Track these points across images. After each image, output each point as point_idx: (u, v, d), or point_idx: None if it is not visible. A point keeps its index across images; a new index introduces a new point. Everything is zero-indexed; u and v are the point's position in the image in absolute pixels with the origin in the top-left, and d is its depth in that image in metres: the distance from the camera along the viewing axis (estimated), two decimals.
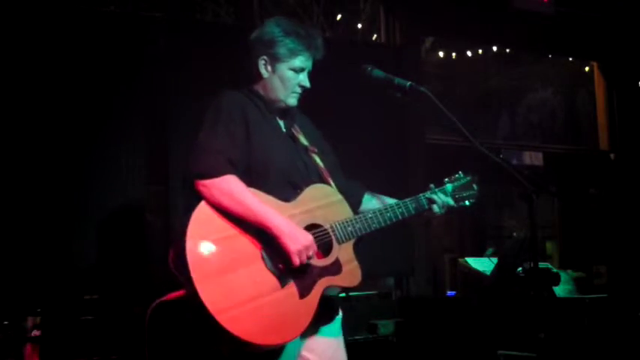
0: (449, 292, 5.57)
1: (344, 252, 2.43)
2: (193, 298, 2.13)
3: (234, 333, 2.12)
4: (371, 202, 2.69)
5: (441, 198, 2.64)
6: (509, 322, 3.91)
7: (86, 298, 3.84)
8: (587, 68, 6.87)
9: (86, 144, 4.01)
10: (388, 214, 2.53)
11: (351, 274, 2.43)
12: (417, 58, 5.59)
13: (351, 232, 2.45)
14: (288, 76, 2.49)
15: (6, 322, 3.32)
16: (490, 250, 4.26)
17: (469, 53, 6.41)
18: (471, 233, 7.14)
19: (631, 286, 4.97)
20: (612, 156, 6.54)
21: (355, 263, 2.46)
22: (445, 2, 5.48)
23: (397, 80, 2.57)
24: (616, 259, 5.81)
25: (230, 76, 4.38)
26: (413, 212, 2.59)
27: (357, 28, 5.91)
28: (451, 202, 2.67)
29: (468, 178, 2.74)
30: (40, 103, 3.92)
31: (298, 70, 2.50)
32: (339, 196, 2.51)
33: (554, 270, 3.98)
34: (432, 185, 2.68)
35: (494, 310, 4.04)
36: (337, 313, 2.55)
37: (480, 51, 6.47)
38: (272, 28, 2.50)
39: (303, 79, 2.52)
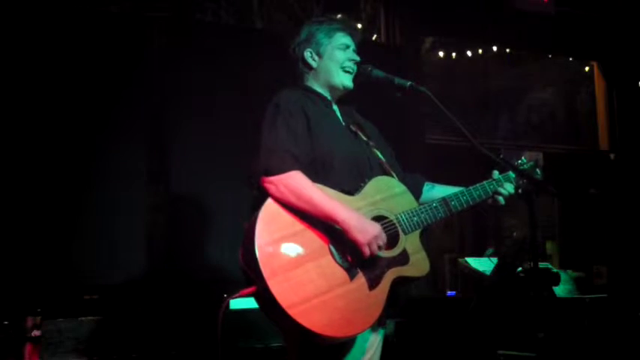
0: (449, 292, 5.57)
1: (411, 242, 2.43)
2: (265, 294, 2.17)
3: (306, 326, 2.15)
4: (432, 192, 2.69)
5: (504, 181, 2.63)
6: (509, 322, 3.91)
7: (86, 298, 3.84)
8: (587, 68, 6.86)
9: (86, 144, 4.01)
10: (453, 203, 2.54)
11: (418, 263, 2.44)
12: (417, 58, 5.59)
13: (417, 222, 2.46)
14: (336, 54, 2.58)
15: (6, 322, 3.32)
16: (490, 250, 4.25)
17: (469, 53, 6.40)
18: (471, 233, 7.14)
19: (631, 286, 4.96)
20: (612, 156, 6.53)
21: (423, 253, 2.46)
22: (445, 2, 5.48)
23: (397, 80, 2.59)
24: (616, 259, 5.80)
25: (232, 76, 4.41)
26: (477, 199, 2.59)
27: (357, 28, 5.90)
28: (513, 187, 2.65)
29: (532, 163, 2.73)
30: (40, 103, 3.93)
31: (343, 47, 2.59)
32: (403, 187, 2.52)
33: (554, 270, 3.96)
34: (495, 172, 2.66)
35: (494, 310, 4.04)
36: (400, 305, 2.53)
37: (480, 51, 6.46)
38: (305, 27, 2.64)
39: (351, 54, 2.60)
